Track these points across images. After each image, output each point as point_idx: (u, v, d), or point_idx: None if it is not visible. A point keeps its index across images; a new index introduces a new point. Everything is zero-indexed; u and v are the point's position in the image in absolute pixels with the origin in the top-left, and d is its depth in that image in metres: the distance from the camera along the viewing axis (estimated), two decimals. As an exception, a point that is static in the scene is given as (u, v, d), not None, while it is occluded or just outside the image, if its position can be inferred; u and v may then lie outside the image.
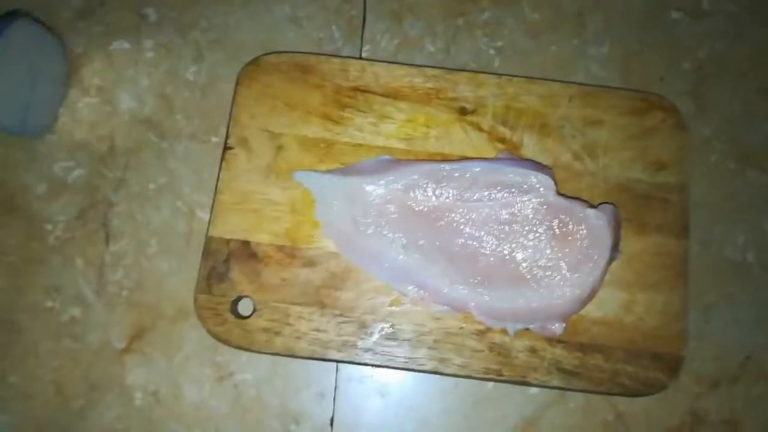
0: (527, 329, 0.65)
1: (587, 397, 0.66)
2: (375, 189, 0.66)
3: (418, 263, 0.65)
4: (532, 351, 0.64)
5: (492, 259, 0.65)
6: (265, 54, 0.71)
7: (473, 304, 0.65)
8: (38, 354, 0.67)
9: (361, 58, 0.75)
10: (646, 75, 0.75)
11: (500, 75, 0.71)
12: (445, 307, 0.65)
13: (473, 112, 0.70)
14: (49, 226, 0.70)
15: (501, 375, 0.64)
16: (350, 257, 0.66)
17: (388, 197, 0.66)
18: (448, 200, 0.66)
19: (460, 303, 0.65)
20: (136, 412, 0.66)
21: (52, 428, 0.66)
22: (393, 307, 0.65)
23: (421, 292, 0.65)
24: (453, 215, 0.66)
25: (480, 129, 0.70)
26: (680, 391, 0.67)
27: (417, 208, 0.66)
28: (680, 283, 0.66)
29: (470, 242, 0.65)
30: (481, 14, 0.78)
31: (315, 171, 0.68)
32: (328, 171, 0.68)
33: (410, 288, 0.66)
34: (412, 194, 0.66)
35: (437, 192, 0.66)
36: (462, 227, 0.66)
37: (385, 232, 0.66)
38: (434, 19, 0.77)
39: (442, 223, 0.66)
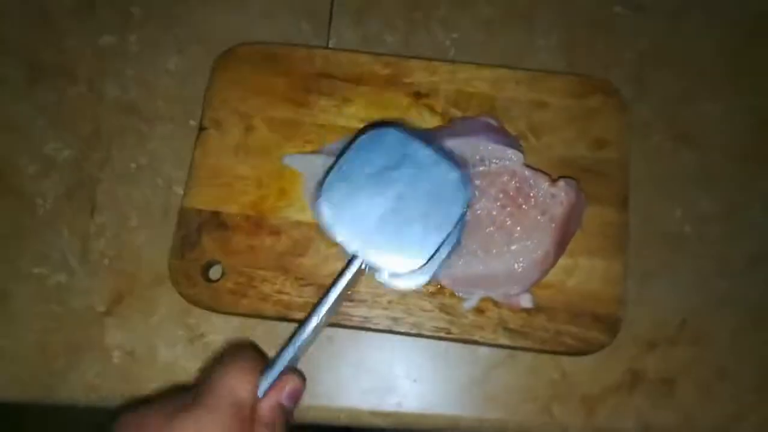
0: (494, 301, 0.67)
1: (534, 357, 0.68)
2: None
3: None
4: (479, 311, 0.66)
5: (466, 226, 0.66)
6: (238, 45, 0.73)
7: (443, 271, 0.65)
8: (25, 317, 0.69)
9: (327, 48, 0.76)
10: (591, 64, 0.78)
11: (453, 62, 0.73)
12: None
13: (427, 95, 0.72)
14: (39, 201, 0.72)
15: (450, 333, 0.66)
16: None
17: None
18: None
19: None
20: (113, 370, 0.67)
21: (36, 386, 0.68)
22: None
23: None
24: None
25: (434, 111, 0.72)
26: (620, 352, 0.68)
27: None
28: (619, 251, 0.68)
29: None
30: (438, 9, 0.80)
31: (303, 153, 0.71)
32: (315, 152, 0.71)
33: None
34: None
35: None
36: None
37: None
38: (395, 13, 0.80)
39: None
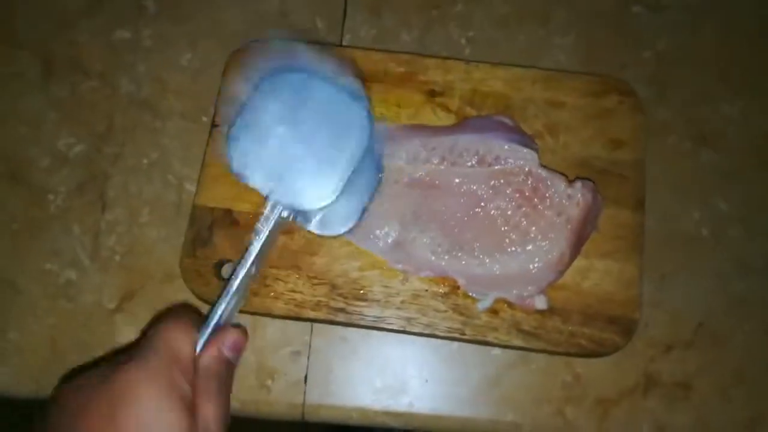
0: (508, 302, 0.66)
1: (547, 359, 0.66)
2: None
3: (409, 234, 0.66)
4: (493, 312, 0.65)
5: (477, 224, 0.66)
6: (252, 41, 0.72)
7: (458, 271, 0.65)
8: (36, 313, 0.69)
9: (341, 45, 0.75)
10: (608, 63, 0.76)
11: (468, 61, 0.72)
12: (430, 273, 0.66)
13: (442, 94, 0.71)
14: (50, 196, 0.71)
15: (464, 334, 0.65)
16: (349, 235, 0.67)
17: (389, 170, 0.68)
18: (441, 169, 0.67)
19: (444, 270, 0.65)
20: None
21: (48, 380, 0.66)
22: (363, 272, 0.65)
23: (409, 267, 0.66)
24: (446, 184, 0.67)
25: (448, 109, 0.71)
26: (635, 355, 0.67)
27: (414, 178, 0.67)
28: (635, 253, 0.67)
29: (460, 210, 0.66)
30: (454, 6, 0.79)
31: None
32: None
33: (399, 266, 0.67)
34: (412, 165, 0.67)
35: (434, 161, 0.67)
36: (453, 195, 0.67)
37: (385, 206, 0.67)
38: (410, 11, 0.79)
39: (436, 191, 0.67)
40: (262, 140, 0.59)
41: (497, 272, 0.65)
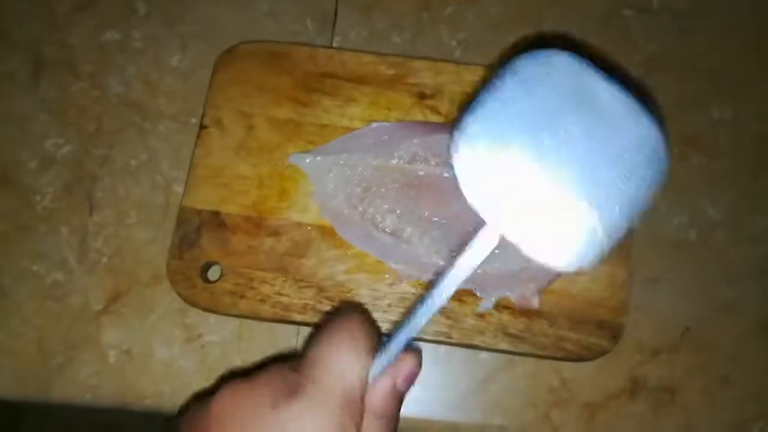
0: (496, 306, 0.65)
1: (534, 362, 0.66)
2: (376, 163, 0.68)
3: (409, 235, 0.65)
4: (480, 316, 0.64)
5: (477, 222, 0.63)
6: (241, 43, 0.71)
7: None
8: (22, 314, 0.68)
9: (331, 47, 0.74)
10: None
11: (458, 63, 0.71)
12: (431, 276, 0.65)
13: (432, 96, 0.70)
14: (38, 197, 0.71)
15: (450, 338, 0.64)
16: (347, 237, 0.67)
17: (389, 170, 0.67)
18: (440, 168, 0.67)
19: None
20: (109, 369, 0.66)
21: (33, 382, 0.66)
22: (350, 275, 0.64)
23: (409, 268, 0.66)
24: (445, 183, 0.67)
25: (438, 112, 0.70)
26: (622, 359, 0.66)
27: (413, 178, 0.67)
28: (623, 256, 0.66)
29: (460, 209, 0.66)
30: (445, 8, 0.78)
31: (308, 153, 0.69)
32: (320, 149, 0.69)
33: (400, 266, 0.66)
34: (410, 165, 0.67)
35: (434, 161, 0.67)
36: (452, 195, 0.65)
37: (383, 206, 0.67)
38: (401, 13, 0.78)
39: (435, 191, 0.66)
40: (502, 148, 0.36)
41: (499, 270, 0.65)
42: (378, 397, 0.42)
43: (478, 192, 0.37)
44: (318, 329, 0.47)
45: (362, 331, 0.44)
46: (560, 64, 0.38)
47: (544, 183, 0.35)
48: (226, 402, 0.41)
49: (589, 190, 0.35)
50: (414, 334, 0.42)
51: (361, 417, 0.41)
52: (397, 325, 0.45)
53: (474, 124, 0.37)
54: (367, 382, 0.42)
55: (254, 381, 0.42)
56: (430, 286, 0.45)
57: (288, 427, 0.39)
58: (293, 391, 0.41)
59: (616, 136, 0.36)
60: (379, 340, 0.44)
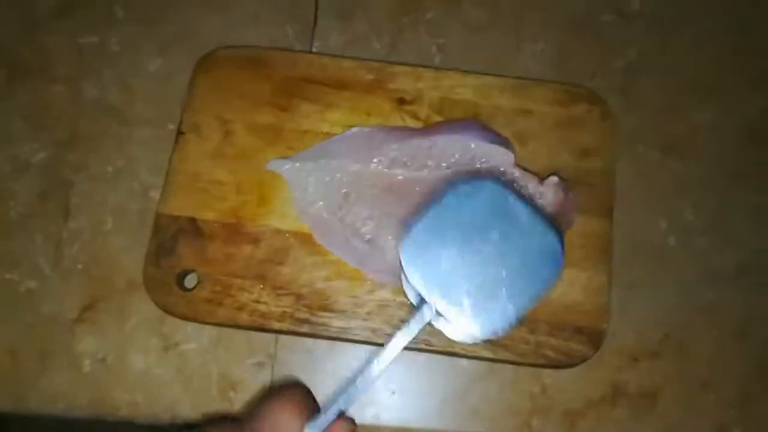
0: None
1: (515, 370, 0.65)
2: (355, 168, 0.67)
3: (386, 241, 0.64)
4: (460, 323, 0.62)
5: None
6: (220, 48, 0.70)
7: None
8: (-5, 323, 0.65)
9: (311, 52, 0.73)
10: (579, 72, 0.75)
11: (437, 68, 0.71)
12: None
13: (411, 102, 0.70)
14: (11, 203, 0.69)
15: (431, 345, 0.63)
16: (325, 244, 0.66)
17: (368, 175, 0.67)
18: (417, 171, 0.66)
19: None
20: (84, 378, 0.65)
21: (6, 391, 0.65)
22: (329, 282, 0.63)
23: (385, 275, 0.65)
24: (422, 187, 0.66)
25: (417, 118, 0.69)
26: (602, 365, 0.66)
27: (392, 182, 0.66)
28: (603, 262, 0.66)
29: None
30: (425, 13, 0.77)
31: (286, 158, 0.68)
32: (300, 155, 0.68)
33: (377, 274, 0.66)
34: (389, 170, 0.66)
35: (413, 165, 0.66)
36: (428, 196, 0.64)
37: (362, 212, 0.66)
38: (381, 18, 0.77)
39: (413, 195, 0.66)
40: (438, 245, 0.53)
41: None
42: None
43: (418, 278, 0.52)
44: (263, 397, 0.54)
45: (302, 396, 0.51)
46: (489, 188, 0.55)
47: (472, 274, 0.52)
48: None
49: (505, 280, 0.52)
50: (351, 402, 0.49)
51: None
52: (337, 392, 0.51)
53: (419, 227, 0.54)
54: None
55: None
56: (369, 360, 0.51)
57: None
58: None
59: (525, 244, 0.53)
60: (316, 407, 0.51)
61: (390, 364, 0.50)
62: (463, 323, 0.51)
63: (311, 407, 0.50)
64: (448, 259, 0.52)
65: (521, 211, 0.54)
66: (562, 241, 0.54)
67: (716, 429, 0.66)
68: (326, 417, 0.48)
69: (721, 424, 0.66)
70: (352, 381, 0.50)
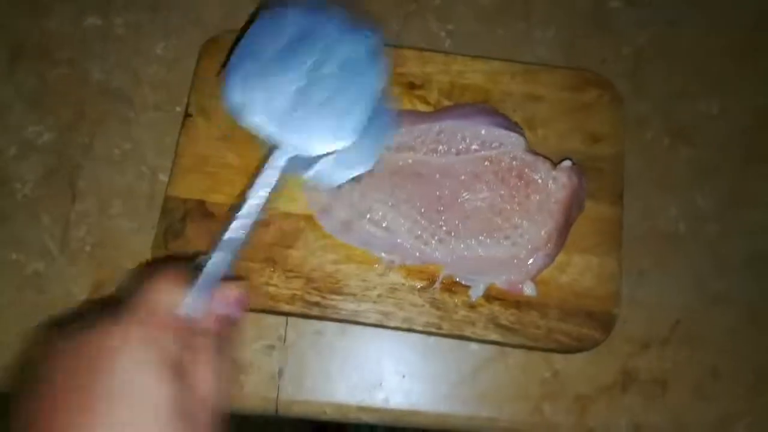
0: (487, 297, 0.64)
1: (525, 355, 0.64)
2: None
3: (395, 222, 0.64)
4: (471, 307, 0.62)
5: (464, 210, 0.64)
6: (227, 31, 0.69)
7: (443, 256, 0.63)
8: (1, 304, 0.65)
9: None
10: (588, 58, 0.74)
11: (447, 53, 0.70)
12: (417, 261, 0.64)
13: (421, 86, 0.69)
14: (18, 185, 0.68)
15: (441, 329, 0.62)
16: (328, 228, 0.66)
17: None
18: (427, 156, 0.65)
19: (432, 256, 0.63)
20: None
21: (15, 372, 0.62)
22: (339, 265, 0.62)
23: (394, 257, 0.64)
24: (431, 171, 0.65)
25: (426, 102, 0.68)
26: (613, 352, 0.65)
27: (400, 166, 0.65)
28: (614, 247, 0.65)
29: (445, 194, 0.65)
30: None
31: None
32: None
33: (383, 255, 0.64)
34: (397, 153, 0.65)
35: (420, 149, 0.65)
36: (439, 183, 0.65)
37: (371, 195, 0.65)
38: (389, 3, 0.76)
39: (422, 179, 0.65)
40: (262, 76, 0.52)
41: (485, 257, 0.63)
42: (201, 317, 0.44)
43: (253, 115, 0.52)
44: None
45: (173, 265, 0.46)
46: (290, 14, 0.55)
47: (299, 95, 0.52)
48: (43, 350, 0.42)
49: (333, 91, 0.53)
50: (228, 262, 0.47)
51: (185, 337, 0.42)
52: (209, 251, 0.47)
53: (238, 63, 0.53)
54: (184, 304, 0.44)
55: (75, 321, 0.43)
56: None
57: (100, 349, 0.40)
58: (106, 315, 0.42)
59: (340, 50, 0.54)
60: (194, 274, 0.45)
61: (255, 214, 0.49)
62: (313, 145, 0.52)
63: (184, 274, 0.46)
64: (275, 90, 0.52)
65: (332, 24, 0.55)
66: (378, 43, 0.55)
67: (726, 416, 0.66)
68: (205, 277, 0.45)
69: (731, 411, 0.66)
70: (221, 238, 0.48)
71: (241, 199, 0.49)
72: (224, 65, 0.53)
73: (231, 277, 0.47)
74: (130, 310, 0.42)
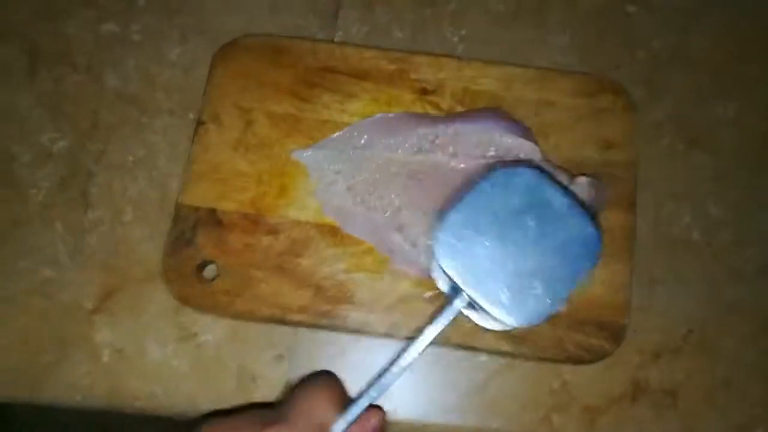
0: None
1: (535, 365, 0.63)
2: (379, 155, 0.66)
3: (412, 229, 0.63)
4: (480, 317, 0.60)
5: None
6: (242, 37, 0.68)
7: None
8: (11, 311, 0.66)
9: (332, 42, 0.71)
10: (602, 63, 0.73)
11: (460, 58, 0.69)
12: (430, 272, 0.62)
13: (433, 92, 0.68)
14: (33, 192, 0.68)
15: (450, 339, 0.61)
16: (354, 233, 0.65)
17: (393, 162, 0.65)
18: (443, 161, 0.65)
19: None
20: (102, 369, 0.63)
21: (23, 380, 0.64)
22: (349, 274, 0.61)
23: (410, 266, 0.64)
24: (447, 177, 0.64)
25: (439, 108, 0.67)
26: (623, 362, 0.64)
27: (415, 170, 0.65)
28: (626, 256, 0.64)
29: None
30: (448, 4, 0.75)
31: (309, 147, 0.67)
32: (322, 143, 0.67)
33: (405, 263, 0.64)
34: (413, 157, 0.65)
35: (436, 153, 0.65)
36: (454, 190, 0.63)
37: (388, 199, 0.65)
38: (403, 8, 0.75)
39: (437, 185, 0.64)
40: (473, 234, 0.52)
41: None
42: None
43: (454, 268, 0.51)
44: (296, 385, 0.55)
45: (336, 385, 0.53)
46: (525, 175, 0.53)
47: (507, 263, 0.51)
48: None
49: (541, 269, 0.51)
50: (382, 393, 0.50)
51: None
52: (368, 384, 0.52)
53: (453, 216, 0.52)
54: (335, 425, 0.48)
55: (234, 418, 0.49)
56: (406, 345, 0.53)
57: None
58: (274, 420, 0.47)
59: (562, 232, 0.52)
60: (347, 398, 0.51)
61: (420, 354, 0.51)
62: (497, 313, 0.50)
63: (344, 397, 0.51)
64: (482, 248, 0.51)
65: (557, 198, 0.52)
66: (598, 228, 0.52)
67: (738, 427, 0.65)
68: (358, 406, 0.49)
69: (743, 423, 0.65)
70: (383, 371, 0.51)
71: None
72: (440, 217, 0.54)
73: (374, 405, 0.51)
74: (287, 417, 0.48)
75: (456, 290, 0.51)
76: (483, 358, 0.64)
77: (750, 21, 0.76)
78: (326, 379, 0.54)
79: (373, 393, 0.50)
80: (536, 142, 0.63)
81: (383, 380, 0.50)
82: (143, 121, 0.71)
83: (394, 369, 0.51)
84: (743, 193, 0.70)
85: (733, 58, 0.74)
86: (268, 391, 0.63)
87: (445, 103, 0.68)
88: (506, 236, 0.51)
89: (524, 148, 0.63)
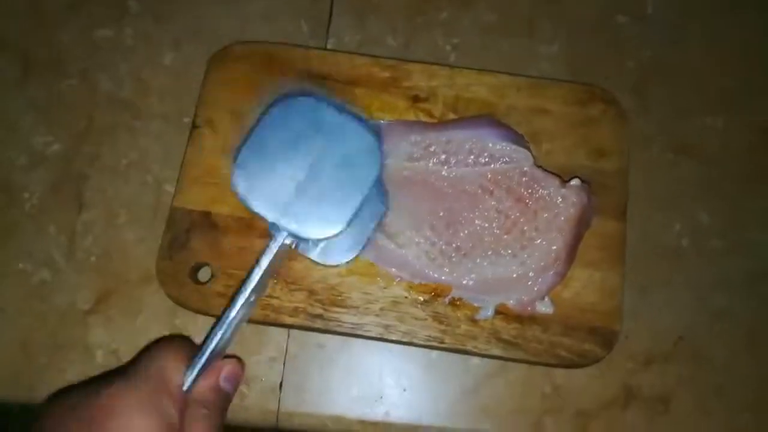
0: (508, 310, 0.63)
1: (527, 369, 0.63)
2: None
3: (403, 236, 0.63)
4: (473, 321, 0.61)
5: (474, 227, 0.64)
6: (235, 43, 0.68)
7: (453, 278, 0.63)
8: (6, 314, 0.65)
9: (325, 49, 0.71)
10: (592, 73, 0.73)
11: (452, 66, 0.69)
12: (425, 280, 0.63)
13: (426, 99, 0.68)
14: (26, 195, 0.68)
15: (443, 343, 0.61)
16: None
17: (385, 168, 0.65)
18: (435, 168, 0.65)
19: (439, 279, 0.63)
20: (96, 370, 0.63)
21: (18, 382, 0.64)
22: (342, 277, 0.61)
23: (403, 274, 0.64)
24: (439, 183, 0.65)
25: (431, 115, 0.67)
26: (615, 368, 0.64)
27: (407, 177, 0.65)
28: (617, 263, 0.64)
29: (453, 211, 0.64)
30: (440, 13, 0.75)
31: None
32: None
33: (393, 271, 0.63)
34: (405, 164, 0.65)
35: (429, 161, 0.65)
36: (446, 196, 0.64)
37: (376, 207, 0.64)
38: (396, 17, 0.75)
39: (429, 191, 0.64)
40: (268, 166, 0.59)
41: (494, 276, 0.63)
42: (201, 390, 0.49)
43: (258, 202, 0.59)
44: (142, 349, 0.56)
45: (178, 340, 0.54)
46: (303, 102, 0.61)
47: (299, 184, 0.58)
48: (50, 409, 0.47)
49: (334, 181, 0.58)
50: (226, 338, 0.52)
51: (183, 405, 0.48)
52: (210, 330, 0.53)
53: (246, 153, 0.60)
54: (184, 377, 0.49)
55: (75, 392, 0.48)
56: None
57: (109, 411, 0.44)
58: (114, 382, 0.47)
59: (345, 145, 0.60)
60: (195, 349, 0.51)
61: (253, 293, 0.55)
62: (308, 232, 0.58)
63: (189, 349, 0.52)
64: (278, 177, 0.59)
65: (336, 117, 0.60)
66: (376, 136, 0.61)
67: (728, 433, 0.63)
68: (201, 356, 0.50)
69: (733, 428, 0.64)
70: (221, 316, 0.53)
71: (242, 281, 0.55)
72: (235, 157, 0.60)
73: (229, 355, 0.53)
74: (136, 377, 0.47)
75: (274, 226, 0.57)
76: (475, 361, 0.64)
77: (737, 33, 0.77)
78: (170, 337, 0.56)
79: (214, 340, 0.51)
80: (529, 149, 0.63)
81: (221, 326, 0.52)
82: (137, 125, 0.71)
83: (231, 312, 0.53)
84: (732, 201, 0.71)
85: (722, 69, 0.75)
86: (261, 392, 0.63)
87: (438, 110, 0.68)
88: (295, 160, 0.59)
89: (517, 155, 0.62)
